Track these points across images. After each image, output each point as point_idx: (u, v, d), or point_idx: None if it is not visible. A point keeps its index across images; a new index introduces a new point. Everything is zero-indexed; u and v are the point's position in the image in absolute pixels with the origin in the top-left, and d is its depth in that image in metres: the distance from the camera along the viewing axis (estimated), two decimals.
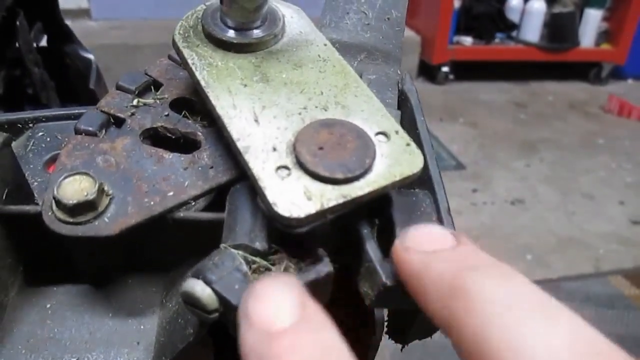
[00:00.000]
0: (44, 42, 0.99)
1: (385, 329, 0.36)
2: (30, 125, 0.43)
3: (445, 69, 3.92)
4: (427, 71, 3.99)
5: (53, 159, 0.41)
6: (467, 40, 3.98)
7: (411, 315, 0.32)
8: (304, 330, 0.21)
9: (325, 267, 0.27)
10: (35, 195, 0.36)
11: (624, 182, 2.95)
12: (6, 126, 0.43)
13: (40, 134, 0.42)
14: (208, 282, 0.25)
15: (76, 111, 0.44)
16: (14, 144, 0.43)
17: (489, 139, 3.27)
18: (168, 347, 0.31)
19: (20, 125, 0.43)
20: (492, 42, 4.06)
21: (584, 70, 4.26)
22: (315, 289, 0.27)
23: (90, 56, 1.01)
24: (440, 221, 0.30)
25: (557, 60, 4.10)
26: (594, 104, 3.93)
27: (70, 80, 1.02)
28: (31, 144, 0.42)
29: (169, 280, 0.34)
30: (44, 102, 0.96)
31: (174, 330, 0.31)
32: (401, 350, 0.36)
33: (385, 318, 0.37)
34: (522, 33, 4.04)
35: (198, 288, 0.25)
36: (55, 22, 0.96)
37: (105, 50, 2.91)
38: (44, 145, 0.42)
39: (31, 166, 0.40)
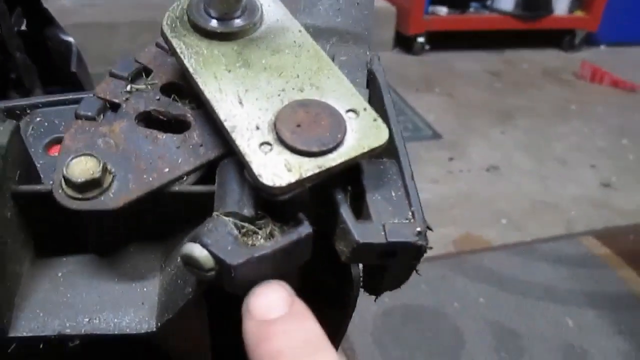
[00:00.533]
0: (23, 27, 1.00)
1: (360, 284, 0.40)
2: (28, 111, 0.46)
3: (421, 39, 3.95)
4: (403, 42, 4.02)
5: (52, 142, 0.45)
6: (442, 10, 4.00)
7: (382, 270, 0.36)
8: (292, 319, 0.29)
9: (305, 229, 0.32)
10: (44, 178, 0.39)
11: (596, 147, 3.04)
12: (5, 113, 0.46)
13: (38, 119, 0.45)
14: (205, 245, 0.29)
15: (70, 97, 0.47)
16: None
17: (465, 108, 3.33)
18: (170, 305, 0.35)
19: (19, 112, 0.46)
20: (467, 11, 4.09)
21: (558, 38, 4.32)
22: (297, 248, 0.32)
23: (71, 39, 1.02)
24: (404, 186, 0.35)
25: (531, 28, 4.16)
26: (567, 70, 4.00)
27: (51, 63, 1.04)
28: (30, 128, 0.45)
29: (167, 247, 0.38)
30: (28, 87, 0.98)
31: (174, 290, 0.35)
32: (374, 300, 0.40)
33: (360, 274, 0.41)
34: (496, 2, 4.08)
35: (196, 250, 0.29)
36: (35, 6, 0.97)
37: (80, 29, 2.88)
38: (42, 130, 0.45)
39: (32, 150, 0.43)
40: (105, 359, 0.40)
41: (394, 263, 0.34)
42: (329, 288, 0.45)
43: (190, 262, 0.30)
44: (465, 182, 2.60)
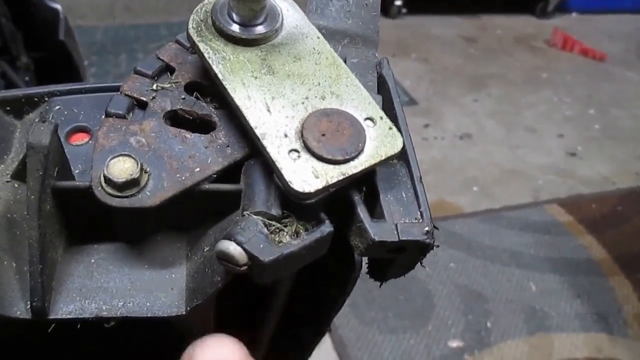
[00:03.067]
0: None
1: (366, 270, 0.44)
2: (46, 98, 0.48)
3: (398, 2, 3.94)
4: (381, 5, 3.99)
5: (73, 131, 0.47)
6: None
7: (390, 261, 0.40)
8: None
9: (327, 228, 0.35)
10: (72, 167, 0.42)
11: (564, 116, 3.14)
12: (23, 100, 0.48)
13: (57, 107, 0.47)
14: (239, 243, 0.33)
15: (87, 86, 0.49)
16: (32, 116, 0.48)
17: (440, 75, 3.37)
18: (199, 292, 0.38)
19: (37, 99, 0.48)
20: None
21: (532, 4, 4.36)
22: (319, 245, 0.35)
23: (57, 6, 1.01)
24: (414, 188, 0.38)
25: None
26: (539, 38, 4.07)
27: (36, 31, 1.03)
28: (50, 117, 0.47)
29: (191, 237, 0.41)
30: (14, 54, 0.98)
31: (202, 278, 0.39)
32: (380, 286, 0.44)
33: (365, 261, 0.45)
34: None
35: (231, 247, 0.32)
36: None
37: None
38: (62, 119, 0.47)
39: (59, 137, 0.45)
40: (126, 337, 0.43)
41: (402, 257, 0.38)
42: (330, 267, 0.48)
43: (225, 258, 0.33)
44: (439, 150, 2.67)
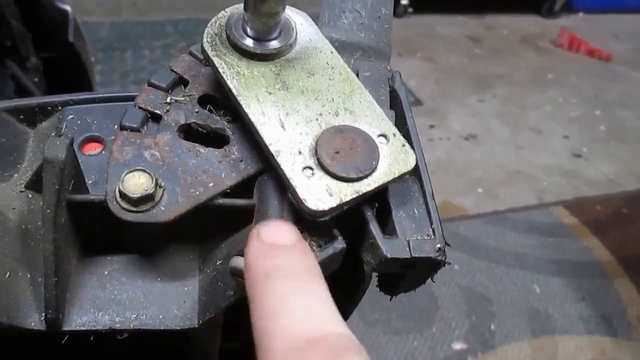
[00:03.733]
0: None
1: (377, 283, 0.45)
2: (59, 107, 0.48)
3: (404, 1, 3.93)
4: None
5: (86, 140, 0.47)
6: None
7: (401, 275, 0.41)
8: (297, 250, 0.31)
9: (340, 244, 0.35)
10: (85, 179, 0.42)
11: (569, 117, 3.13)
12: (37, 109, 0.48)
13: (70, 116, 0.47)
14: None
15: (100, 95, 0.49)
16: (45, 125, 0.49)
17: (445, 74, 3.36)
18: (211, 305, 0.39)
19: (50, 108, 0.48)
20: None
21: (538, 3, 4.34)
22: (332, 261, 0.36)
23: (67, 7, 1.01)
24: (426, 204, 0.39)
25: None
26: (545, 38, 4.05)
27: (46, 32, 1.03)
28: (64, 126, 0.47)
29: (203, 250, 0.42)
30: (24, 55, 0.98)
31: (215, 291, 0.39)
32: (390, 300, 0.45)
33: (375, 275, 0.45)
34: None
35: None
36: None
37: None
38: (75, 128, 0.47)
39: (75, 151, 0.45)
40: (139, 348, 0.43)
41: (413, 272, 0.39)
42: (340, 276, 0.49)
43: (239, 274, 0.34)
44: (444, 150, 2.67)
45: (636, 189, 2.57)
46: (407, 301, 1.81)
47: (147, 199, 0.36)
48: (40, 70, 1.05)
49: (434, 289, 1.86)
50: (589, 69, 3.71)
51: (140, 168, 0.37)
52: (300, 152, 0.36)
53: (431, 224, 0.38)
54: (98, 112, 0.48)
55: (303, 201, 0.34)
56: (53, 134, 0.45)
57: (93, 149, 0.47)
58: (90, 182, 0.44)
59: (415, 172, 0.40)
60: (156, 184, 0.36)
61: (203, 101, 0.42)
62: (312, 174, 0.35)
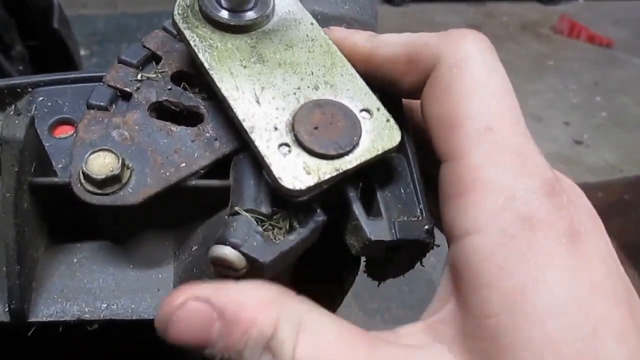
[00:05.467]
0: None
1: (364, 270, 0.42)
2: (29, 89, 0.46)
3: None
4: None
5: (57, 123, 0.45)
6: None
7: (388, 259, 0.38)
8: None
9: (320, 217, 0.33)
10: (53, 162, 0.40)
11: (570, 104, 3.10)
12: (5, 91, 0.46)
13: (41, 98, 0.45)
14: (235, 246, 0.30)
15: (72, 76, 0.47)
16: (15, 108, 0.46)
17: None
18: None
19: (20, 90, 0.46)
20: None
21: None
22: (313, 235, 0.33)
23: None
24: (413, 183, 0.36)
25: None
26: (545, 24, 4.01)
27: (30, 19, 1.01)
28: (33, 108, 0.44)
29: (179, 235, 0.40)
30: (8, 43, 0.96)
31: (190, 278, 0.37)
32: (378, 286, 0.42)
33: (363, 260, 0.43)
34: None
35: (227, 252, 0.30)
36: None
37: None
38: (46, 110, 0.45)
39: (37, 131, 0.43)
40: (120, 339, 0.41)
41: (400, 255, 0.36)
42: (328, 265, 0.47)
43: (221, 263, 0.31)
44: None
45: (637, 175, 2.54)
46: (407, 290, 1.80)
47: (114, 180, 0.34)
48: (26, 59, 1.03)
49: (433, 277, 1.84)
50: (589, 55, 3.68)
51: (105, 148, 0.34)
52: (276, 128, 0.33)
53: (419, 204, 0.35)
54: (70, 94, 0.46)
55: (278, 180, 0.31)
56: (11, 112, 0.42)
57: (64, 132, 0.45)
58: (60, 166, 0.41)
59: (402, 149, 0.38)
60: (123, 164, 0.34)
61: (177, 78, 0.40)
62: (289, 151, 0.33)
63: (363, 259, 0.42)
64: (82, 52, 2.16)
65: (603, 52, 3.74)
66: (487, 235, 0.27)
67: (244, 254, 0.30)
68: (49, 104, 0.45)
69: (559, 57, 3.58)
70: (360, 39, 0.37)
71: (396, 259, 0.38)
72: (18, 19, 0.99)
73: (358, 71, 0.37)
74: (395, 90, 0.37)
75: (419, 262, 0.38)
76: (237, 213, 0.32)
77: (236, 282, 0.30)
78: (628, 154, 2.69)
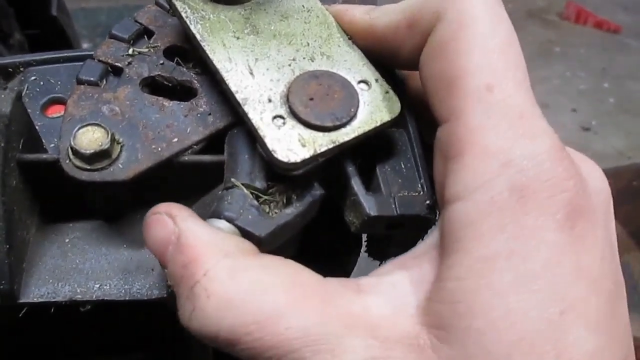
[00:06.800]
0: None
1: (365, 249, 0.41)
2: (21, 69, 0.45)
3: None
4: None
5: (50, 102, 0.44)
6: None
7: (389, 237, 0.37)
8: None
9: (317, 190, 0.32)
10: (44, 140, 0.39)
11: (577, 90, 3.06)
12: None
13: (33, 78, 0.44)
14: (230, 220, 0.29)
15: (65, 54, 0.45)
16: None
17: None
18: None
19: (11, 70, 0.45)
20: None
21: None
22: (311, 210, 0.32)
23: None
24: (414, 157, 0.35)
25: None
26: (552, 11, 3.96)
27: (28, 6, 1.00)
28: (25, 88, 0.43)
29: None
30: (6, 31, 0.95)
31: None
32: (379, 265, 0.41)
33: (365, 238, 0.42)
34: None
35: (222, 226, 0.29)
36: None
37: None
38: (38, 90, 0.43)
39: (29, 110, 0.42)
40: (115, 320, 0.41)
41: (401, 233, 0.35)
42: (330, 246, 0.45)
43: None
44: None
45: None
46: None
47: (103, 155, 0.32)
48: (25, 48, 1.02)
49: None
50: (597, 41, 3.63)
51: (95, 122, 0.33)
52: (270, 100, 0.32)
53: (420, 178, 0.34)
54: (63, 73, 0.45)
55: (272, 152, 0.30)
56: None
57: (57, 111, 0.43)
58: (52, 145, 0.40)
59: (403, 123, 0.36)
60: (113, 139, 0.33)
61: (170, 53, 0.39)
62: (283, 123, 0.31)
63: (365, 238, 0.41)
64: (85, 45, 2.15)
65: (611, 38, 3.69)
66: (475, 203, 0.26)
67: (239, 228, 0.29)
68: (42, 83, 0.44)
69: (566, 44, 3.54)
70: (359, 12, 0.36)
71: (396, 237, 0.36)
72: (16, 7, 0.98)
73: (357, 46, 0.35)
74: (396, 63, 0.35)
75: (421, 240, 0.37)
76: (232, 187, 0.31)
77: (216, 220, 0.30)
78: (636, 141, 2.65)
